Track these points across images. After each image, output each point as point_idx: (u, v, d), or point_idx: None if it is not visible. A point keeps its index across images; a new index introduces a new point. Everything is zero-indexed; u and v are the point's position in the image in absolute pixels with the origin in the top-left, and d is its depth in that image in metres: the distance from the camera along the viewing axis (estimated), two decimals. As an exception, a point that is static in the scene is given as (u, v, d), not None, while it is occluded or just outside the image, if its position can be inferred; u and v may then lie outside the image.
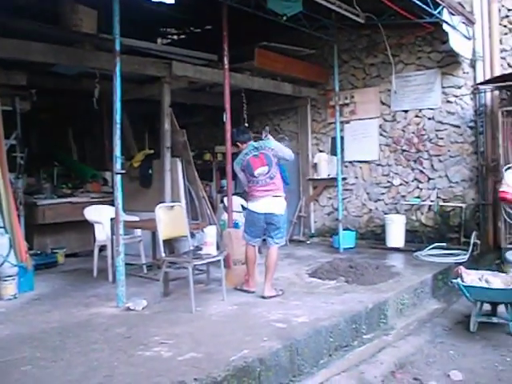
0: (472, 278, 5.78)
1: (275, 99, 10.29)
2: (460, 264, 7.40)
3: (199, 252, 5.74)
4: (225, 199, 8.31)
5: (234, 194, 7.88)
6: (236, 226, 7.13)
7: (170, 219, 5.84)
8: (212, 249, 5.67)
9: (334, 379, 4.39)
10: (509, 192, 7.44)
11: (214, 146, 10.05)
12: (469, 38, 8.44)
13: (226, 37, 6.72)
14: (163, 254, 5.65)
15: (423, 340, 5.43)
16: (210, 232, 5.72)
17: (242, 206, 8.06)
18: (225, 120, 6.72)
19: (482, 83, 8.25)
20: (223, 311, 5.30)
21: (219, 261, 5.69)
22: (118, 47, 5.22)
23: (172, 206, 6.11)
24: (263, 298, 5.76)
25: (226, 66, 6.78)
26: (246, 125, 9.08)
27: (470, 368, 4.68)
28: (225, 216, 7.66)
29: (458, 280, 5.66)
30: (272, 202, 5.88)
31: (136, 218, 7.27)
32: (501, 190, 7.53)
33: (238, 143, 6.17)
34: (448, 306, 6.54)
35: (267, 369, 4.07)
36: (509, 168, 7.64)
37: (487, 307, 5.78)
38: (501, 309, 5.69)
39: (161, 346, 4.29)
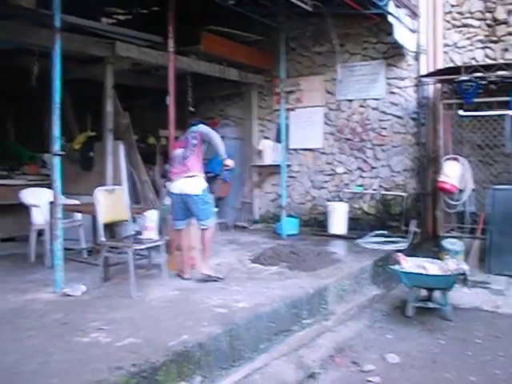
0: (410, 264, 5.95)
1: (222, 84, 10.16)
2: (399, 251, 7.57)
3: (140, 237, 5.66)
4: (168, 183, 8.20)
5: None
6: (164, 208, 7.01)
7: (110, 203, 5.71)
8: (153, 233, 5.61)
9: (273, 363, 4.41)
10: (447, 182, 7.66)
11: (158, 130, 9.87)
12: (413, 31, 8.60)
13: (171, 18, 6.60)
14: (103, 239, 5.53)
15: (362, 325, 5.54)
16: (151, 216, 5.65)
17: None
18: (168, 103, 6.60)
19: (424, 76, 8.41)
20: (164, 296, 5.23)
21: (160, 246, 5.61)
22: (57, 24, 5.05)
23: (112, 190, 5.97)
24: (202, 276, 5.83)
25: (171, 49, 6.68)
26: (192, 109, 8.97)
27: (407, 351, 4.81)
28: (168, 200, 7.57)
29: (397, 266, 5.79)
30: (184, 183, 5.85)
31: (76, 202, 7.09)
32: (440, 180, 7.74)
33: None
34: (387, 291, 6.69)
35: (207, 354, 4.05)
36: (448, 159, 7.85)
37: (424, 293, 5.97)
38: (437, 294, 5.88)
39: (99, 331, 4.19)
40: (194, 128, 6.00)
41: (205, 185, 5.93)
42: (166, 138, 9.46)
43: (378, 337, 5.21)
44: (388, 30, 8.52)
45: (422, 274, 5.72)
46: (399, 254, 6.10)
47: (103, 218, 5.56)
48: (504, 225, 7.28)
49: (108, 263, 5.83)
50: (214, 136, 5.97)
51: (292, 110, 9.97)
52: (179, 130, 9.98)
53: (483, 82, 7.95)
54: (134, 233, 5.98)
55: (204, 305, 4.95)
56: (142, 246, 5.52)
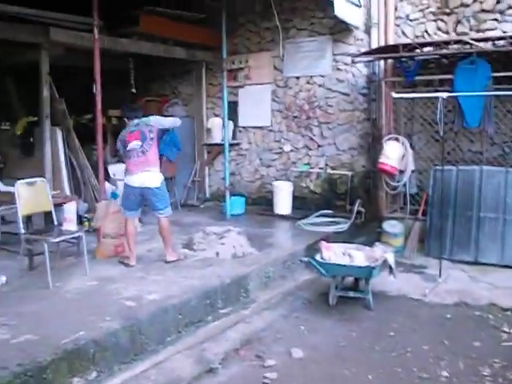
0: (335, 251, 5.78)
1: (172, 62, 9.97)
2: (340, 233, 7.57)
3: (61, 228, 5.69)
4: (110, 167, 8.20)
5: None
6: (114, 196, 6.98)
7: (31, 195, 5.69)
8: (71, 225, 5.63)
9: (174, 358, 4.41)
10: (387, 164, 7.56)
11: (108, 110, 9.78)
12: (359, 6, 8.43)
13: (96, 2, 6.35)
14: (22, 230, 5.54)
15: (278, 314, 5.40)
16: (70, 208, 5.66)
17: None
18: (94, 91, 6.44)
19: (364, 54, 8.21)
20: (81, 287, 5.26)
21: (78, 237, 5.63)
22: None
23: (33, 182, 5.86)
24: (166, 262, 6.06)
25: (96, 36, 6.30)
26: (134, 90, 8.89)
27: (315, 344, 4.70)
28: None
29: (317, 257, 5.67)
30: (145, 176, 6.01)
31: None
32: (380, 161, 7.66)
33: (125, 119, 6.39)
34: (319, 277, 6.21)
35: (103, 349, 4.11)
36: (389, 139, 7.76)
37: (352, 280, 5.84)
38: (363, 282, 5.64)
39: (2, 327, 4.23)
40: (145, 120, 6.17)
41: (162, 177, 6.15)
42: (117, 117, 9.51)
43: (291, 328, 5.09)
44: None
45: (337, 264, 5.57)
46: (323, 242, 5.99)
47: (23, 210, 5.57)
48: (443, 207, 7.11)
49: (32, 253, 5.83)
50: (164, 121, 6.41)
51: (241, 87, 9.85)
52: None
53: (434, 57, 7.79)
54: (56, 223, 5.95)
55: (115, 297, 4.99)
56: (58, 239, 5.54)
